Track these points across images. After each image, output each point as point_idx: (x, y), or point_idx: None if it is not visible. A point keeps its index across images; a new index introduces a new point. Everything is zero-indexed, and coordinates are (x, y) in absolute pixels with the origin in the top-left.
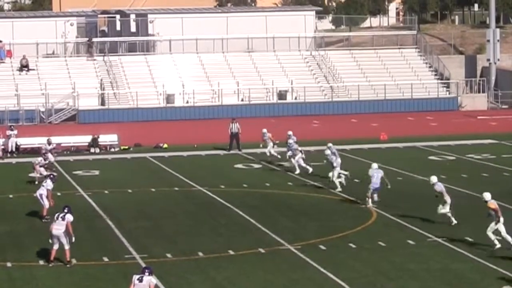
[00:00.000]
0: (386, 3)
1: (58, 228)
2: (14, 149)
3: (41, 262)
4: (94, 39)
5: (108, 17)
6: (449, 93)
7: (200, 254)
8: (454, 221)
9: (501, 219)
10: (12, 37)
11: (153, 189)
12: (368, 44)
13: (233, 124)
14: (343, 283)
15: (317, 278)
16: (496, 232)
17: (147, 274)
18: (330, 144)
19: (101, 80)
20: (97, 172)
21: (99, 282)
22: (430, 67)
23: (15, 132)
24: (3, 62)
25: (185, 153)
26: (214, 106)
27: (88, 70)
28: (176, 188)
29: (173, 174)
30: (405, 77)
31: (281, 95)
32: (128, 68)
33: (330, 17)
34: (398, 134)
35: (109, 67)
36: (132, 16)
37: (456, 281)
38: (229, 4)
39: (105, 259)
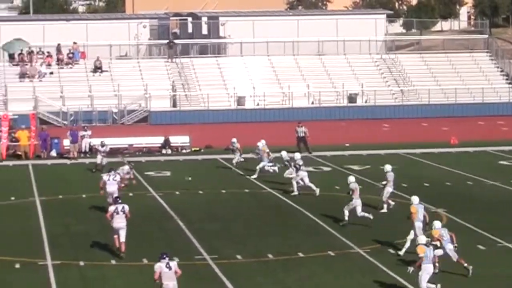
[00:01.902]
0: (458, 7)
1: (122, 221)
2: (87, 150)
3: (113, 262)
4: (165, 41)
5: (180, 19)
6: None
7: (270, 256)
8: (346, 220)
9: (357, 201)
10: (86, 38)
11: (223, 191)
12: (439, 47)
13: (299, 128)
14: (412, 287)
15: (386, 282)
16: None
17: (168, 259)
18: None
19: (173, 82)
20: (168, 173)
21: None
22: (501, 71)
23: (89, 132)
24: (77, 64)
25: (255, 155)
26: (284, 108)
27: (160, 72)
28: (246, 190)
29: (242, 176)
30: (476, 81)
31: (351, 98)
32: (200, 70)
33: (401, 21)
34: (469, 138)
35: (181, 69)
36: (204, 19)
37: None
38: (300, 7)
39: (176, 259)
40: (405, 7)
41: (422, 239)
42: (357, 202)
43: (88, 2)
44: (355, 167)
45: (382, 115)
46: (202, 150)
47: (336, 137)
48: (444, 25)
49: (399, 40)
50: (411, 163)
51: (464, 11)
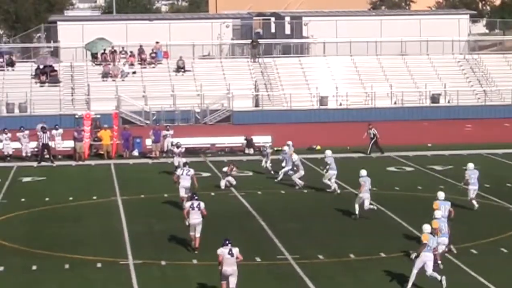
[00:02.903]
0: None
1: (197, 217)
2: (169, 149)
3: (194, 261)
4: (248, 41)
5: (263, 19)
6: None
7: (352, 256)
8: (356, 214)
9: (364, 195)
10: (169, 38)
11: (305, 191)
12: None
13: (369, 130)
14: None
15: (468, 282)
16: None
17: (230, 245)
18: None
19: (256, 81)
20: (250, 173)
21: (251, 282)
22: None
23: (171, 132)
24: (160, 63)
25: (337, 155)
26: (367, 108)
27: (243, 71)
28: (328, 190)
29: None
30: None
31: (434, 98)
32: (282, 70)
33: (484, 21)
34: None
35: (264, 69)
36: (287, 19)
37: None
38: (383, 7)
39: (258, 259)
40: (488, 7)
41: (427, 228)
42: (364, 196)
43: (171, 1)
44: (438, 167)
45: (465, 115)
46: None
47: (418, 137)
48: None
49: (482, 40)
50: (493, 164)
51: None
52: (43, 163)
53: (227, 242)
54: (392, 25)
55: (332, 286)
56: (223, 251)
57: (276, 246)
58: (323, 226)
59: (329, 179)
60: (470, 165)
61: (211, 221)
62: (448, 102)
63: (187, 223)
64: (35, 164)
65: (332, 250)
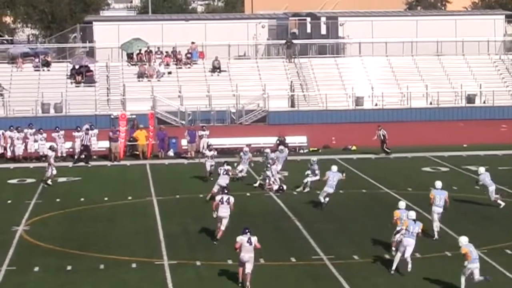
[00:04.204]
0: None
1: (225, 211)
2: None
3: (229, 262)
4: (283, 42)
5: (299, 19)
6: None
7: (387, 256)
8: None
9: (328, 189)
10: (205, 38)
11: (341, 191)
12: None
13: (379, 131)
14: None
15: (504, 282)
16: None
17: (249, 234)
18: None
19: (291, 82)
20: (286, 173)
21: (286, 282)
22: None
23: (207, 132)
24: (196, 63)
25: (373, 156)
26: (402, 109)
27: (278, 72)
28: (364, 190)
29: (361, 176)
30: None
31: (470, 98)
32: (318, 70)
33: None
34: None
35: (299, 69)
36: (323, 19)
37: None
38: (419, 8)
39: (293, 259)
40: None
41: (412, 214)
42: (328, 190)
43: (206, 2)
44: (473, 168)
45: (500, 115)
46: (319, 151)
47: (454, 138)
48: None
49: None
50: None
51: None
52: (78, 164)
53: (247, 230)
54: (428, 26)
55: (367, 286)
56: (242, 239)
57: (311, 246)
58: (358, 226)
59: (306, 182)
60: (481, 169)
61: (246, 221)
62: (484, 102)
63: (214, 216)
64: (70, 164)
65: (367, 250)
